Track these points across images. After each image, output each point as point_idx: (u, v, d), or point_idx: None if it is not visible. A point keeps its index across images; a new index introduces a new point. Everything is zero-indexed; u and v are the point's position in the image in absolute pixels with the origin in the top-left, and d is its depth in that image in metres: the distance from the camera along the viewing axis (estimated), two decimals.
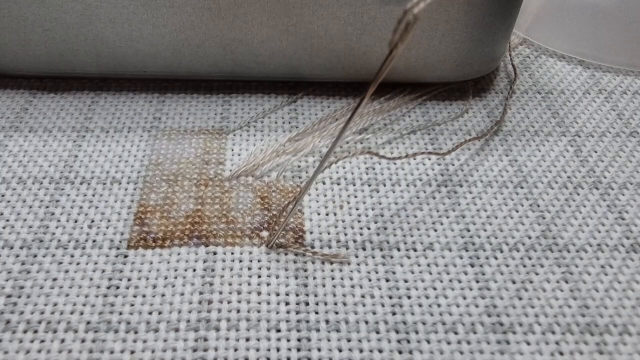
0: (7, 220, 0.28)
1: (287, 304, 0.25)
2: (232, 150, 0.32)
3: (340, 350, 0.23)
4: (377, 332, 0.24)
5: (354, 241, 0.27)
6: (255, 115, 0.35)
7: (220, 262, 0.26)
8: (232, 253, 0.27)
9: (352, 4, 0.32)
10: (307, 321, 0.24)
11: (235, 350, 0.23)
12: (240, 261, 0.26)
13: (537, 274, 0.26)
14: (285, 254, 0.27)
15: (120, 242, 0.27)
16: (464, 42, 0.33)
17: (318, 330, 0.24)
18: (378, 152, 0.30)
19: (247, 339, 0.23)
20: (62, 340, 0.23)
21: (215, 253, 0.26)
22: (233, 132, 0.33)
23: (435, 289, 0.26)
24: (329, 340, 0.23)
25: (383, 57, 0.34)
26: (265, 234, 0.27)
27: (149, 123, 0.34)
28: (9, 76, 0.37)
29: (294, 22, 0.33)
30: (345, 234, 0.28)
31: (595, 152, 0.33)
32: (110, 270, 0.26)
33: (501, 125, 0.35)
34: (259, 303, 0.25)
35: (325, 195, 0.30)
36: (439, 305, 0.25)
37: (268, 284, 0.25)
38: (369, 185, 0.30)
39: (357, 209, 0.29)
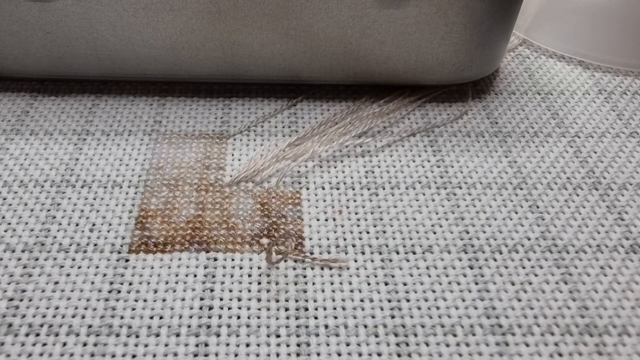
0: (9, 224, 0.28)
1: (286, 309, 0.25)
2: (233, 155, 0.32)
3: (339, 355, 0.23)
4: (376, 336, 0.24)
5: (353, 246, 0.27)
6: (255, 120, 0.35)
7: (221, 269, 0.26)
8: (233, 259, 0.27)
9: (352, 8, 0.32)
10: (307, 326, 0.24)
11: (236, 355, 0.23)
12: (241, 268, 0.26)
13: (536, 275, 0.26)
14: (285, 261, 0.27)
15: (121, 246, 0.27)
16: (464, 45, 0.34)
17: (317, 335, 0.24)
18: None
19: (248, 345, 0.23)
20: (64, 344, 0.23)
21: (215, 259, 0.27)
22: (233, 137, 0.34)
23: (434, 291, 0.26)
24: (328, 345, 0.23)
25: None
26: (265, 240, 0.28)
27: (149, 126, 0.34)
28: (10, 79, 0.37)
29: (293, 25, 0.33)
30: (345, 239, 0.28)
31: (595, 152, 0.33)
32: (112, 274, 0.26)
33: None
34: (259, 309, 0.25)
35: (324, 201, 0.30)
36: (438, 308, 0.25)
37: (268, 291, 0.25)
38: (368, 189, 0.30)
39: (356, 214, 0.29)
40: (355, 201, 0.30)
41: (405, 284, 0.26)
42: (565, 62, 0.41)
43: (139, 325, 0.24)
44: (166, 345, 0.23)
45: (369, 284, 0.26)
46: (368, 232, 0.28)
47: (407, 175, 0.31)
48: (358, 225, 0.28)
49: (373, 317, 0.24)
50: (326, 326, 0.24)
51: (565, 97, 0.37)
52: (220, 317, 0.24)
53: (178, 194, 0.30)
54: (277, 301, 0.25)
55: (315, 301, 0.25)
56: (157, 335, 0.24)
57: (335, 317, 0.24)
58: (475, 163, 0.32)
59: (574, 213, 0.29)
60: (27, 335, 0.23)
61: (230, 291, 0.25)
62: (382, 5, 0.32)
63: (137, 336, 0.24)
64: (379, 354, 0.23)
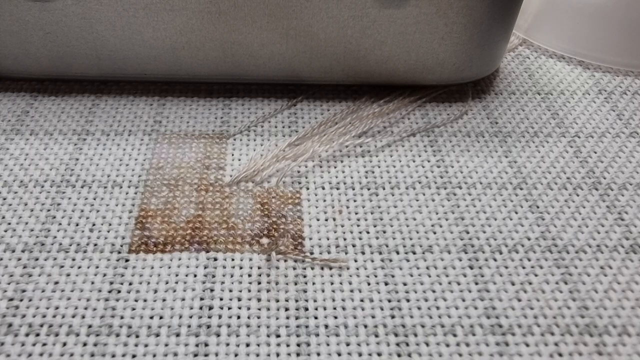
0: (9, 224, 0.28)
1: (286, 309, 0.25)
2: (233, 155, 0.32)
3: (339, 355, 0.23)
4: (376, 336, 0.24)
5: (353, 245, 0.27)
6: (255, 120, 0.35)
7: (221, 269, 0.26)
8: (233, 259, 0.27)
9: (352, 8, 0.32)
10: (307, 326, 0.24)
11: (236, 355, 0.23)
12: (241, 268, 0.26)
13: (536, 275, 0.26)
14: (285, 261, 0.27)
15: (121, 246, 0.27)
16: (463, 45, 0.34)
17: (317, 335, 0.24)
18: None
19: (248, 345, 0.23)
20: (64, 344, 0.23)
21: (215, 259, 0.27)
22: (233, 137, 0.34)
23: (434, 291, 0.26)
24: (328, 345, 0.23)
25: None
26: (265, 240, 0.28)
27: (149, 126, 0.34)
28: (10, 79, 0.37)
29: (293, 25, 0.33)
30: (345, 239, 0.28)
31: (595, 152, 0.33)
32: (112, 274, 0.26)
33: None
34: (259, 309, 0.25)
35: (324, 201, 0.30)
36: (438, 308, 0.25)
37: (268, 290, 0.25)
38: (368, 189, 0.30)
39: (356, 213, 0.29)
40: (355, 201, 0.30)
41: (405, 284, 0.26)
42: (565, 62, 0.41)
43: (139, 325, 0.24)
44: (166, 345, 0.23)
45: (369, 284, 0.26)
46: (368, 232, 0.28)
47: (407, 175, 0.31)
48: (358, 225, 0.28)
49: (373, 317, 0.24)
50: (326, 326, 0.24)
51: (565, 97, 0.37)
52: (220, 317, 0.24)
53: (178, 194, 0.30)
54: (277, 301, 0.25)
55: (315, 301, 0.25)
56: (157, 335, 0.24)
57: (335, 317, 0.24)
58: (475, 163, 0.32)
59: (574, 213, 0.29)
60: (27, 335, 0.23)
61: (230, 291, 0.25)
62: (382, 5, 0.32)
63: (137, 336, 0.24)
64: (379, 354, 0.23)
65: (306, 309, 0.25)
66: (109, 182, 0.30)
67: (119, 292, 0.25)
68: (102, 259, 0.27)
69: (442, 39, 0.33)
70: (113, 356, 0.23)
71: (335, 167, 0.32)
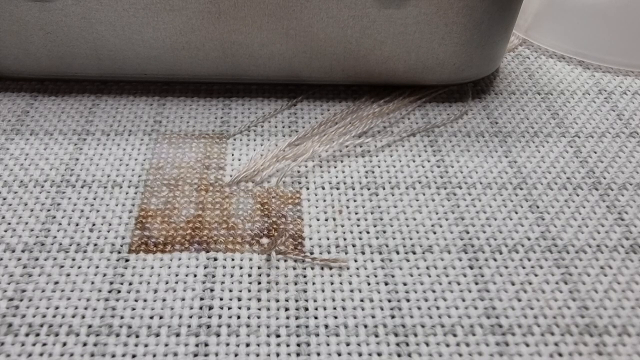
0: (9, 224, 0.28)
1: (286, 309, 0.25)
2: (233, 155, 0.32)
3: (339, 355, 0.23)
4: (376, 336, 0.24)
5: (353, 245, 0.27)
6: (255, 120, 0.35)
7: (221, 269, 0.26)
8: (233, 259, 0.27)
9: (352, 8, 0.32)
10: (307, 326, 0.24)
11: (236, 355, 0.23)
12: (241, 268, 0.26)
13: (536, 275, 0.26)
14: (285, 261, 0.27)
15: (121, 246, 0.27)
16: (463, 45, 0.34)
17: (317, 335, 0.24)
18: None
19: (248, 345, 0.23)
20: (64, 344, 0.23)
21: (215, 259, 0.27)
22: (233, 137, 0.34)
23: (434, 291, 0.26)
24: (328, 345, 0.23)
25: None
26: (265, 240, 0.28)
27: (149, 126, 0.34)
28: (10, 79, 0.37)
29: (293, 25, 0.33)
30: (345, 239, 0.28)
31: (595, 152, 0.33)
32: (112, 274, 0.26)
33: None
34: (259, 309, 0.25)
35: (324, 201, 0.30)
36: (438, 308, 0.25)
37: (268, 291, 0.25)
38: (368, 189, 0.30)
39: (356, 213, 0.29)
40: (355, 201, 0.30)
41: (405, 284, 0.26)
42: (565, 62, 0.41)
43: (139, 325, 0.24)
44: (166, 345, 0.23)
45: (369, 284, 0.26)
46: (368, 232, 0.28)
47: (407, 175, 0.31)
48: (358, 225, 0.28)
49: (373, 317, 0.24)
50: (326, 326, 0.24)
51: (565, 97, 0.37)
52: (220, 317, 0.24)
53: (178, 194, 0.30)
54: (277, 301, 0.25)
55: (315, 301, 0.25)
56: (157, 335, 0.24)
57: (335, 317, 0.24)
58: (475, 163, 0.32)
59: (574, 213, 0.29)
60: (27, 335, 0.23)
61: (230, 291, 0.25)
62: (382, 5, 0.32)
63: (137, 336, 0.24)
64: (379, 354, 0.23)
65: (306, 309, 0.25)
66: (109, 182, 0.30)
67: (119, 292, 0.25)
68: (102, 259, 0.27)
69: (442, 39, 0.33)
70: (113, 356, 0.23)
71: (335, 167, 0.32)
